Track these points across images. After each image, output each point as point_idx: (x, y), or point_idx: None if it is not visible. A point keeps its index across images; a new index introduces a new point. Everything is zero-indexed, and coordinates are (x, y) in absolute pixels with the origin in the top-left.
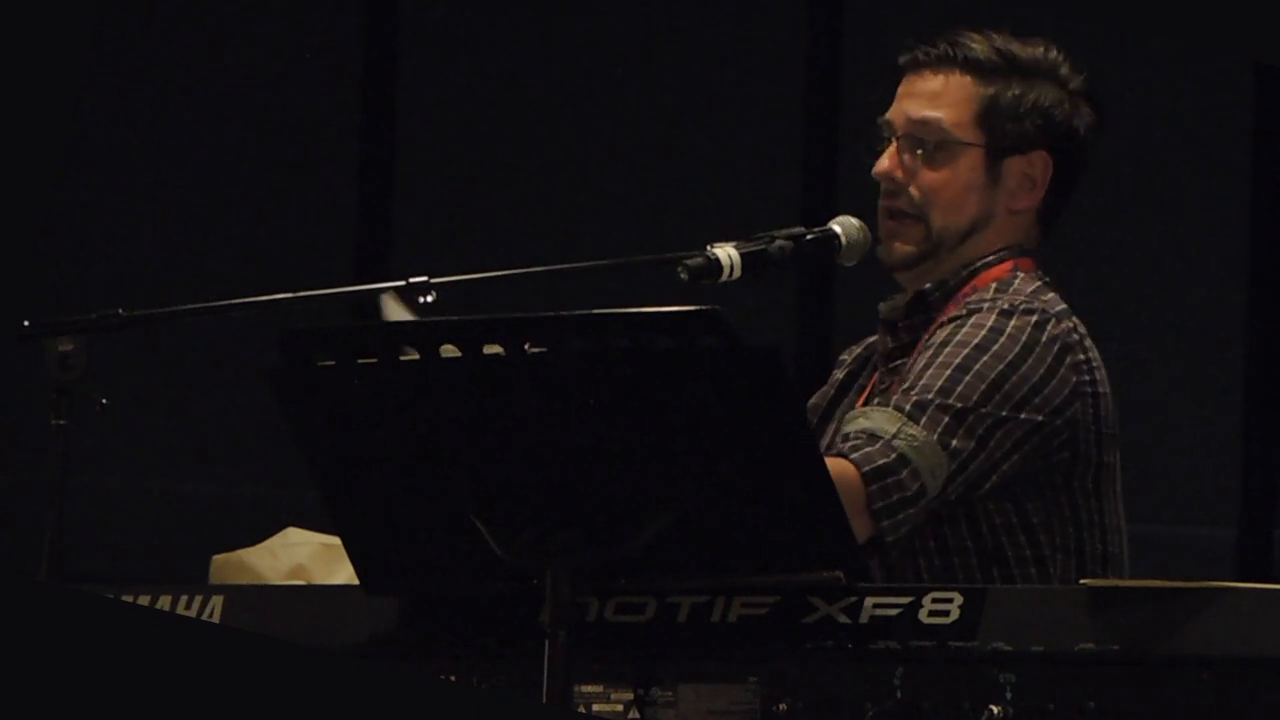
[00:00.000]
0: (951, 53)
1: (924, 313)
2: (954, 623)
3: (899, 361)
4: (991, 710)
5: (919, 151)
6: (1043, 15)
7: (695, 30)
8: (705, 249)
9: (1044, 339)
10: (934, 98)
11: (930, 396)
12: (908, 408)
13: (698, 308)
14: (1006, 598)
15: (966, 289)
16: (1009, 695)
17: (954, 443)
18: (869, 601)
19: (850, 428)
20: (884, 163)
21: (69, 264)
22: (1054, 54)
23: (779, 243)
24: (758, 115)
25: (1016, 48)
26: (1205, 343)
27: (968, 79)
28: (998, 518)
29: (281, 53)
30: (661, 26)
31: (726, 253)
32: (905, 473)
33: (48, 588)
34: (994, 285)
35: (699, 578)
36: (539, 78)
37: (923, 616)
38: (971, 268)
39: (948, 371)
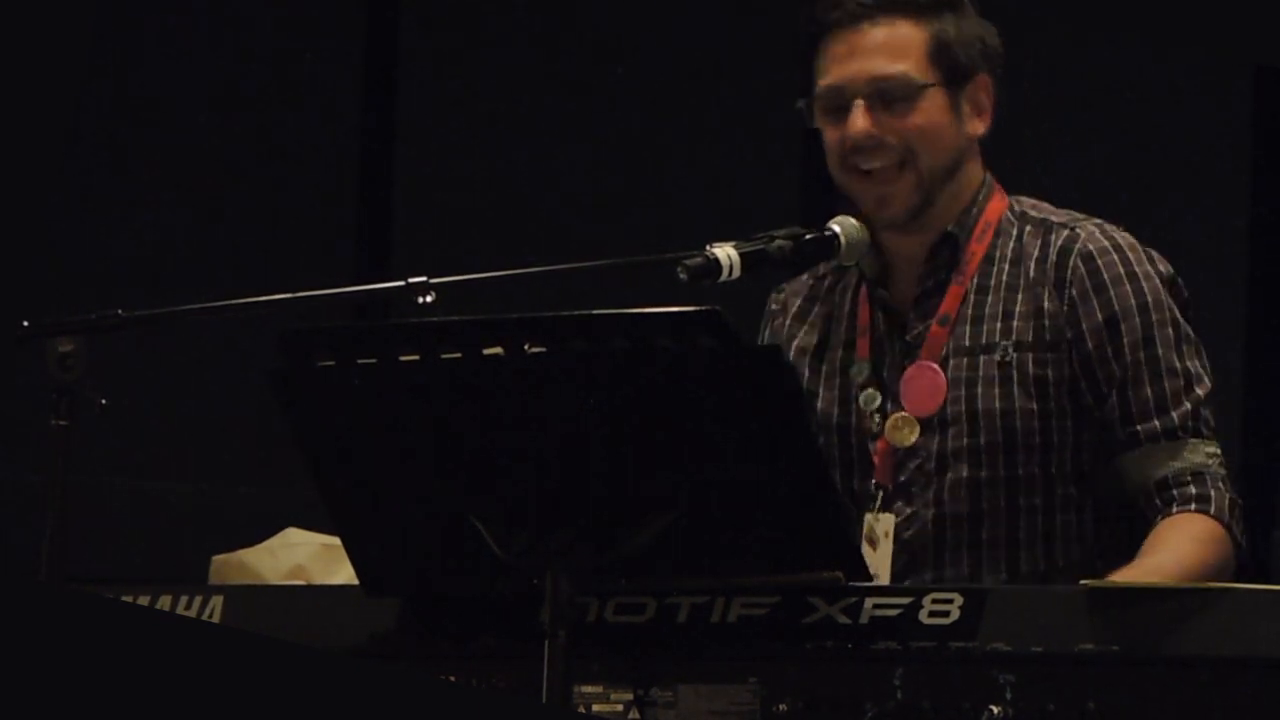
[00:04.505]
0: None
1: (950, 253)
2: (954, 623)
3: (929, 302)
4: (991, 710)
5: (888, 106)
6: (1043, 14)
7: (695, 30)
8: (705, 249)
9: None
10: (887, 50)
11: (1188, 406)
12: (1192, 425)
13: (698, 308)
14: (1006, 598)
15: (981, 223)
16: (1009, 695)
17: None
18: (869, 601)
19: (1173, 468)
20: (859, 123)
21: (69, 264)
22: None
23: (779, 243)
24: (758, 115)
25: None
26: (1203, 344)
27: (908, 22)
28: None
29: (282, 52)
30: (661, 27)
31: (726, 253)
32: (1231, 490)
33: (48, 588)
34: (1011, 214)
35: (699, 578)
36: (539, 78)
37: (923, 617)
38: (977, 204)
39: (1176, 361)
